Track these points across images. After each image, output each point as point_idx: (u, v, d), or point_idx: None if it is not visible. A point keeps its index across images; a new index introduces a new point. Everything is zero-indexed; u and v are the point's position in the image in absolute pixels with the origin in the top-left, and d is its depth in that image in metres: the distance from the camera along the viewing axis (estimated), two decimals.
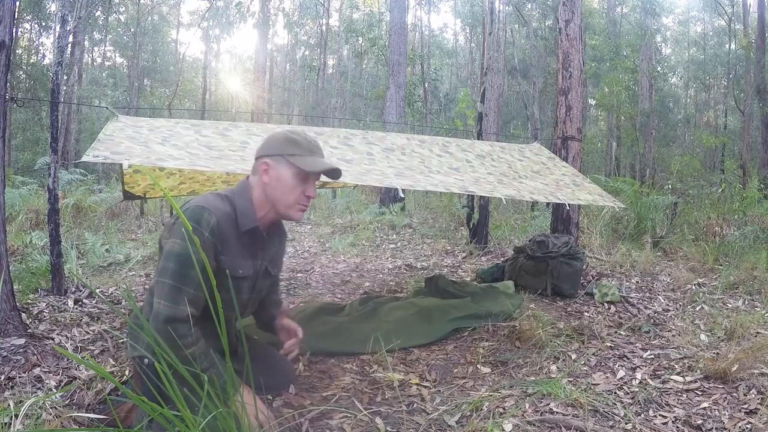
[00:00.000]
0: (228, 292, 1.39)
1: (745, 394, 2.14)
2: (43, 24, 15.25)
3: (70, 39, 11.39)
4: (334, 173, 1.71)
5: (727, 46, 17.74)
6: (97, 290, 3.58)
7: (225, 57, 29.48)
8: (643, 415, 2.00)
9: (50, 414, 1.81)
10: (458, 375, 2.45)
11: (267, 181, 1.63)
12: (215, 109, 21.23)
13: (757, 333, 2.92)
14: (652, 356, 2.62)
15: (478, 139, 5.51)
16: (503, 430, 1.87)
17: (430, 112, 17.06)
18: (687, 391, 2.21)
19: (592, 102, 17.67)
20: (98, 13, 15.73)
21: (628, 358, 2.60)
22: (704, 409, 2.04)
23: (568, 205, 3.68)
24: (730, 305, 3.55)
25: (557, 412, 1.99)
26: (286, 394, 2.07)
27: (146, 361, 1.52)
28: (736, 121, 17.94)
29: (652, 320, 3.21)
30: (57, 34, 8.33)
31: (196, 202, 1.56)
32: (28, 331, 2.51)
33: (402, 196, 4.20)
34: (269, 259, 1.81)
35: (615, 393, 2.19)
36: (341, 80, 19.57)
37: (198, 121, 2.98)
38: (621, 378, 2.35)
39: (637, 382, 2.30)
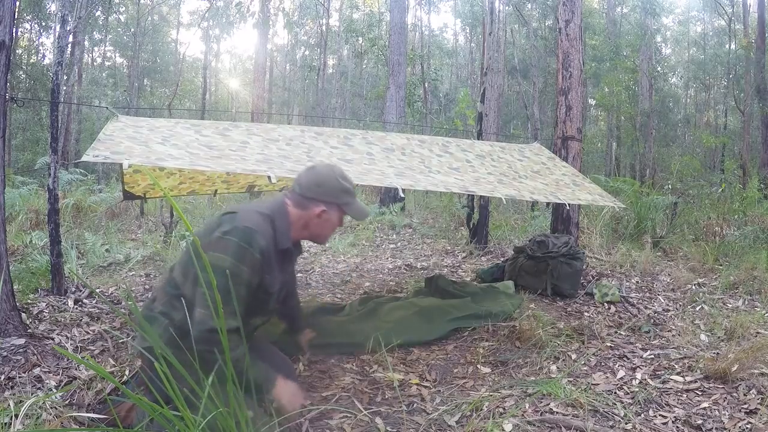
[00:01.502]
0: (261, 303, 1.67)
1: (745, 394, 2.14)
2: (43, 24, 15.24)
3: (70, 39, 11.39)
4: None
5: (727, 46, 17.73)
6: (97, 290, 3.58)
7: (225, 57, 29.50)
8: (643, 415, 2.00)
9: (50, 414, 1.81)
10: (458, 375, 2.45)
11: (318, 221, 1.83)
12: (215, 109, 21.23)
13: (757, 333, 2.92)
14: (652, 356, 2.62)
15: (478, 139, 5.51)
16: (503, 430, 1.87)
17: (430, 112, 17.06)
18: (687, 391, 2.21)
19: (592, 102, 17.67)
20: (98, 13, 15.71)
21: (628, 358, 2.60)
22: (704, 409, 2.04)
23: (568, 205, 3.67)
24: (730, 305, 3.55)
25: (557, 412, 2.00)
26: None
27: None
28: (736, 121, 17.93)
29: (652, 320, 3.21)
30: (57, 34, 8.34)
31: (245, 222, 1.66)
32: (28, 331, 2.50)
33: (402, 196, 4.20)
34: (290, 272, 2.04)
35: (615, 393, 2.19)
36: (341, 80, 19.57)
37: (198, 121, 2.98)
38: (621, 378, 2.35)
39: (637, 382, 2.30)
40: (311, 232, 1.87)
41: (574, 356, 2.62)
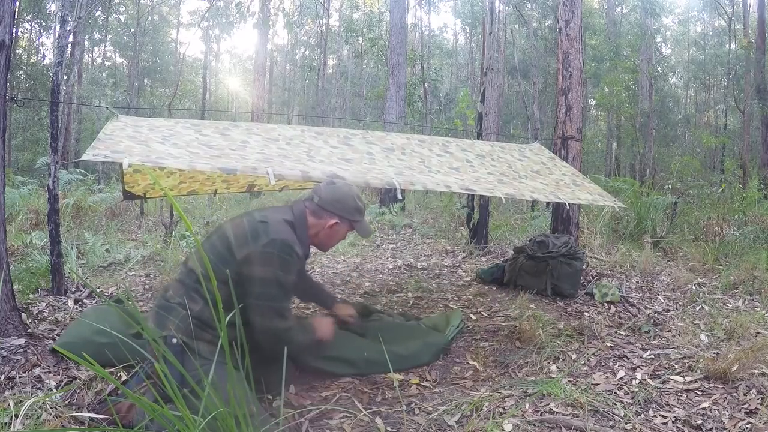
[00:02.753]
0: None
1: (745, 394, 2.14)
2: (43, 24, 15.24)
3: (70, 39, 11.39)
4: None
5: (727, 46, 17.71)
6: (97, 290, 3.58)
7: (225, 57, 29.47)
8: (643, 415, 2.00)
9: (50, 414, 1.81)
10: (458, 375, 2.45)
11: (329, 232, 2.06)
12: (215, 109, 21.22)
13: (757, 333, 2.92)
14: (652, 356, 2.62)
15: (478, 139, 5.51)
16: (503, 430, 1.87)
17: (430, 112, 17.05)
18: (687, 391, 2.21)
19: (592, 102, 17.66)
20: (98, 13, 15.70)
21: (628, 358, 2.60)
22: (704, 409, 2.04)
23: (568, 204, 3.67)
24: (730, 305, 3.55)
25: (557, 412, 1.99)
26: (286, 393, 2.07)
27: (174, 341, 1.76)
28: (736, 121, 17.92)
29: (652, 320, 3.21)
30: (57, 34, 8.33)
31: (281, 235, 1.86)
32: (28, 331, 2.50)
33: (402, 196, 4.20)
34: (303, 272, 2.36)
35: (615, 393, 2.19)
36: (341, 80, 19.57)
37: (198, 120, 2.98)
38: (621, 378, 2.35)
39: (637, 382, 2.30)
40: (320, 240, 2.09)
41: (574, 356, 2.62)
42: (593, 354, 2.64)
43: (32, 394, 1.95)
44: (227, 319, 1.33)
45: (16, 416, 1.68)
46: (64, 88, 10.83)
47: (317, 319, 2.23)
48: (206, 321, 1.80)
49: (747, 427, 1.89)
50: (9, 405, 1.74)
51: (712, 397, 2.13)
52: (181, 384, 1.34)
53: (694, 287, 3.98)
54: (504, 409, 2.05)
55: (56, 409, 1.86)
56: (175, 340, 1.77)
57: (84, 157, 1.94)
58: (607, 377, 2.37)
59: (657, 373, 2.41)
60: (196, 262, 1.86)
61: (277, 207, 2.08)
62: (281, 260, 1.83)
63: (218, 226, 2.05)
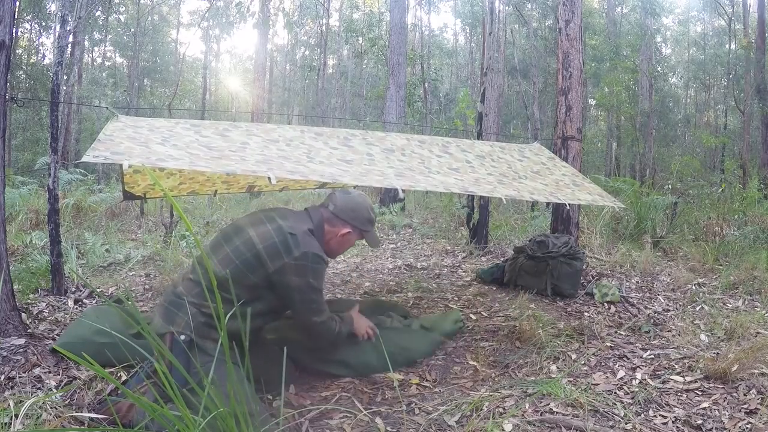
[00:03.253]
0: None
1: (745, 394, 2.14)
2: (43, 24, 15.24)
3: (70, 39, 11.38)
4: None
5: (727, 46, 17.71)
6: (97, 290, 3.58)
7: (225, 57, 29.50)
8: (643, 415, 2.00)
9: (50, 414, 1.81)
10: (458, 375, 2.45)
11: (340, 240, 2.15)
12: (215, 109, 21.23)
13: (757, 333, 2.92)
14: (652, 356, 2.62)
15: (478, 139, 5.51)
16: (503, 430, 1.87)
17: (430, 112, 17.04)
18: (687, 391, 2.21)
19: (592, 102, 17.65)
20: (98, 13, 15.70)
21: (628, 358, 2.60)
22: (704, 409, 2.04)
23: (568, 205, 3.67)
24: (730, 305, 3.55)
25: (557, 412, 2.00)
26: (286, 393, 2.07)
27: (182, 337, 1.83)
28: (736, 121, 17.92)
29: (652, 320, 3.21)
30: (57, 34, 8.33)
31: (311, 249, 1.97)
32: (28, 331, 2.50)
33: (402, 196, 4.20)
34: None
35: (615, 393, 2.19)
36: (341, 80, 19.57)
37: (198, 121, 2.98)
38: (621, 378, 2.35)
39: (637, 382, 2.30)
40: (330, 248, 2.16)
41: (574, 356, 2.62)
42: (593, 354, 2.64)
43: (32, 394, 1.95)
44: (227, 317, 1.33)
45: (16, 416, 1.68)
46: (64, 88, 10.83)
47: (355, 314, 2.37)
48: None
49: (747, 427, 1.89)
50: (9, 405, 1.74)
51: (712, 397, 2.13)
52: (183, 382, 1.35)
53: (694, 287, 3.98)
54: (504, 409, 2.05)
55: (56, 409, 1.86)
56: (183, 336, 1.82)
57: (84, 158, 1.93)
58: (607, 377, 2.37)
59: (657, 373, 2.41)
60: (216, 264, 1.94)
61: (296, 213, 2.12)
62: (314, 270, 1.97)
63: (237, 227, 2.06)
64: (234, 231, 2.05)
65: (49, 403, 1.87)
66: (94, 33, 19.00)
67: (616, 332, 3.00)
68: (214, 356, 1.67)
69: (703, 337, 2.91)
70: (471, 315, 3.35)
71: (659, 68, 18.53)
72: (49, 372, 2.20)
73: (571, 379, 2.34)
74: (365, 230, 2.19)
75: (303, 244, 1.96)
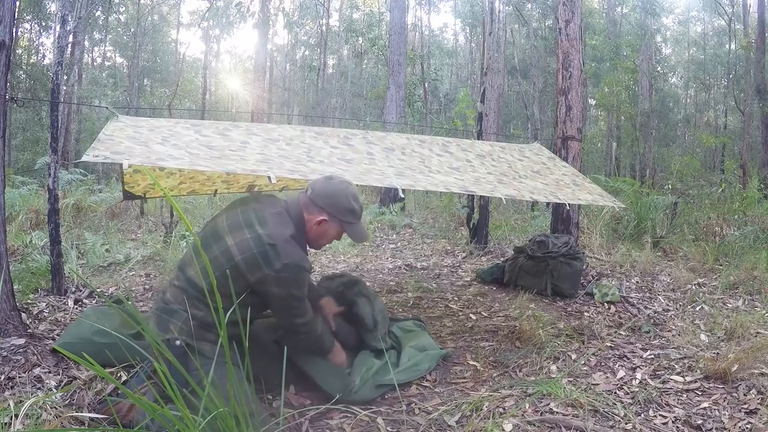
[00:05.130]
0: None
1: (745, 394, 2.14)
2: (43, 24, 15.22)
3: (70, 39, 11.38)
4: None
5: (727, 46, 17.72)
6: (98, 290, 3.58)
7: (225, 57, 29.47)
8: (643, 415, 2.00)
9: (50, 414, 1.81)
10: (458, 375, 2.45)
11: (317, 228, 1.99)
12: (215, 109, 21.20)
13: (757, 333, 2.92)
14: (652, 356, 2.62)
15: (478, 139, 5.50)
16: (503, 430, 1.87)
17: (430, 112, 17.03)
18: (687, 391, 2.21)
19: (592, 102, 17.66)
20: (98, 13, 15.70)
21: (628, 358, 2.60)
22: (704, 409, 2.04)
23: (568, 205, 3.67)
24: (730, 305, 3.55)
25: (557, 412, 2.00)
26: (286, 393, 2.07)
27: (177, 343, 1.79)
28: (736, 121, 17.92)
29: (652, 320, 3.21)
30: (57, 34, 8.33)
31: (292, 258, 1.85)
32: (28, 331, 2.50)
33: (402, 196, 4.20)
34: None
35: (615, 393, 2.19)
36: (341, 80, 19.56)
37: (198, 121, 2.98)
38: (621, 378, 2.35)
39: (637, 382, 2.30)
40: (310, 237, 2.02)
41: (574, 356, 2.62)
42: (593, 354, 2.64)
43: (32, 394, 1.95)
44: (227, 316, 1.33)
45: (16, 416, 1.68)
46: (64, 88, 10.83)
47: (337, 348, 2.27)
48: (210, 323, 1.82)
49: (747, 427, 1.89)
50: (9, 405, 1.74)
51: (712, 397, 2.13)
52: (183, 385, 1.35)
53: (694, 287, 3.98)
54: (504, 409, 2.05)
55: (56, 409, 1.86)
56: (178, 342, 1.79)
57: (84, 158, 1.93)
58: (607, 377, 2.37)
59: (657, 373, 2.41)
60: (198, 273, 1.84)
61: (276, 213, 1.94)
62: (296, 281, 1.87)
63: (215, 232, 1.94)
64: (213, 236, 1.93)
65: (49, 403, 1.87)
66: (94, 33, 18.98)
67: (616, 332, 3.00)
68: (213, 358, 1.65)
69: (703, 337, 2.91)
70: (471, 315, 3.35)
71: (659, 68, 18.52)
72: (49, 372, 2.20)
73: (571, 379, 2.34)
74: (345, 221, 2.00)
75: (283, 254, 1.83)
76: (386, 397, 2.21)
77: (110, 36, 20.95)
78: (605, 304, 3.58)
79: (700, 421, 1.93)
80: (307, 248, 2.07)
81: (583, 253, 4.00)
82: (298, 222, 1.97)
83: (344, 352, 2.30)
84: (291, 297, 1.91)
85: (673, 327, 3.10)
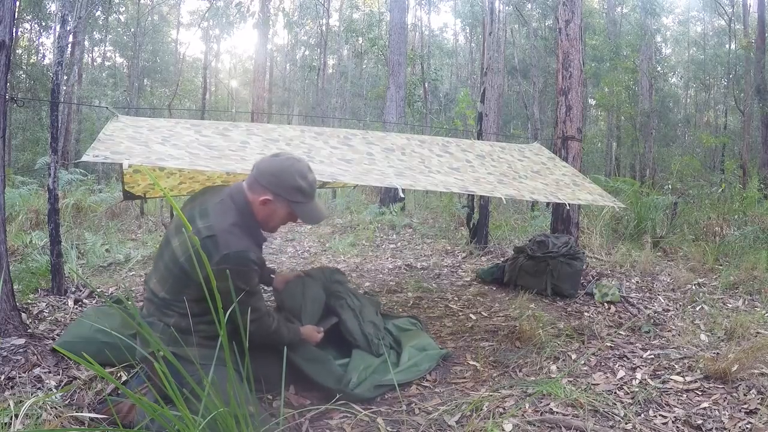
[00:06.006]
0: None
1: (745, 394, 2.14)
2: (43, 24, 15.21)
3: (70, 39, 11.38)
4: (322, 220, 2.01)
5: (727, 46, 17.72)
6: (98, 290, 3.58)
7: (225, 57, 29.50)
8: (643, 415, 2.00)
9: (50, 414, 1.81)
10: (458, 375, 2.45)
11: (263, 210, 1.83)
12: (215, 109, 21.22)
13: (757, 333, 2.92)
14: (652, 356, 2.62)
15: (478, 139, 5.51)
16: (503, 430, 1.87)
17: (430, 112, 17.04)
18: (687, 391, 2.21)
19: (592, 102, 17.66)
20: (98, 13, 15.69)
21: (628, 358, 2.60)
22: (704, 409, 2.04)
23: (568, 205, 3.67)
24: (730, 305, 3.55)
25: (557, 412, 2.00)
26: (286, 393, 2.07)
27: (161, 353, 1.66)
28: (736, 121, 17.92)
29: (652, 320, 3.21)
30: (57, 34, 8.33)
31: (232, 248, 1.70)
32: (28, 331, 2.50)
33: (402, 196, 4.20)
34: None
35: (615, 393, 2.19)
36: (341, 80, 19.56)
37: (198, 121, 2.98)
38: (621, 378, 2.35)
39: (637, 382, 2.30)
40: (259, 218, 1.85)
41: (574, 356, 2.62)
42: (593, 354, 2.64)
43: (32, 394, 1.95)
44: (227, 316, 1.33)
45: (16, 416, 1.68)
46: (64, 88, 10.82)
47: (302, 328, 2.21)
48: (184, 328, 1.75)
49: (747, 427, 1.89)
50: (9, 405, 1.74)
51: (712, 397, 2.13)
52: (180, 386, 1.34)
53: (694, 287, 3.98)
54: (504, 409, 2.05)
55: (56, 409, 1.86)
56: (161, 353, 1.66)
57: (84, 158, 1.93)
58: (607, 377, 2.37)
59: (657, 373, 2.41)
60: (156, 284, 1.83)
61: (221, 201, 1.82)
62: (238, 272, 1.68)
63: (166, 236, 1.89)
64: (164, 241, 1.86)
65: (49, 403, 1.87)
66: (94, 33, 18.99)
67: (616, 332, 3.00)
68: (200, 362, 1.53)
69: (703, 337, 2.91)
70: (471, 315, 3.35)
71: (659, 68, 18.52)
72: (49, 372, 2.20)
73: (571, 379, 2.34)
74: (293, 200, 1.81)
75: (222, 245, 1.69)
76: (386, 397, 2.21)
77: (110, 36, 20.95)
78: (605, 304, 3.58)
79: (700, 421, 1.93)
80: (263, 233, 1.93)
81: (583, 253, 4.00)
82: (243, 206, 1.81)
83: (315, 331, 2.25)
84: (237, 291, 1.67)
85: (673, 327, 3.10)
